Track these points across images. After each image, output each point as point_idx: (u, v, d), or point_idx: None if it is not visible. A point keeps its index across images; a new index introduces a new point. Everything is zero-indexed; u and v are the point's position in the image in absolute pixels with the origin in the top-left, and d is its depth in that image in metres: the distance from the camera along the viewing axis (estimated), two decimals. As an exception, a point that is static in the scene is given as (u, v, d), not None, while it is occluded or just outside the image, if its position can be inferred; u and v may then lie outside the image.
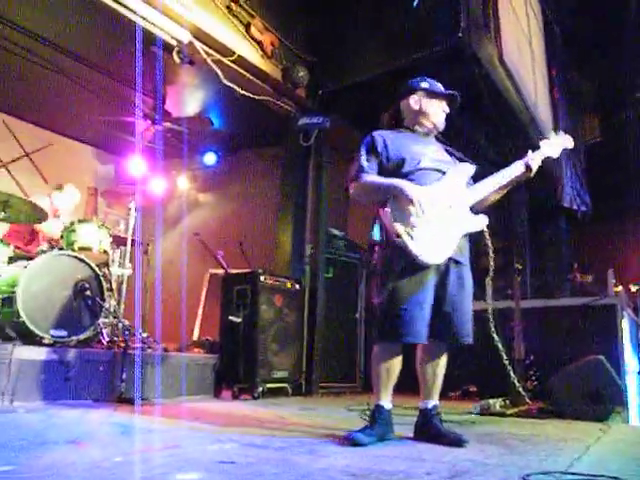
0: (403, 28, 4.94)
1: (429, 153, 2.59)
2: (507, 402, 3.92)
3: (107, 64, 5.36)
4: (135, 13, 4.05)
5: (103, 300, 4.04)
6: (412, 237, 2.33)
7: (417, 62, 4.70)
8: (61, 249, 4.24)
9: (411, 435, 2.53)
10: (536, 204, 7.76)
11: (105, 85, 5.66)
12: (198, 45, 4.56)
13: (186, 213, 7.35)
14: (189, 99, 5.94)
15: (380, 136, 2.60)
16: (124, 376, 3.57)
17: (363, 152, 2.58)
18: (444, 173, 2.57)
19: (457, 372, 4.77)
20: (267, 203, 6.35)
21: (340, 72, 5.48)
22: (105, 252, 4.62)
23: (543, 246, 8.40)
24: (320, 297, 5.36)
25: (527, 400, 3.78)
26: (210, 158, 7.17)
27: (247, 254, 5.46)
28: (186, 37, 4.44)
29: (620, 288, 5.88)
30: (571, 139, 2.86)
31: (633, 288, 6.64)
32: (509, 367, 3.70)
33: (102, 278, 4.11)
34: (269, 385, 4.54)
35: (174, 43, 4.46)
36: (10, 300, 3.63)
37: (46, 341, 3.61)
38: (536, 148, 2.73)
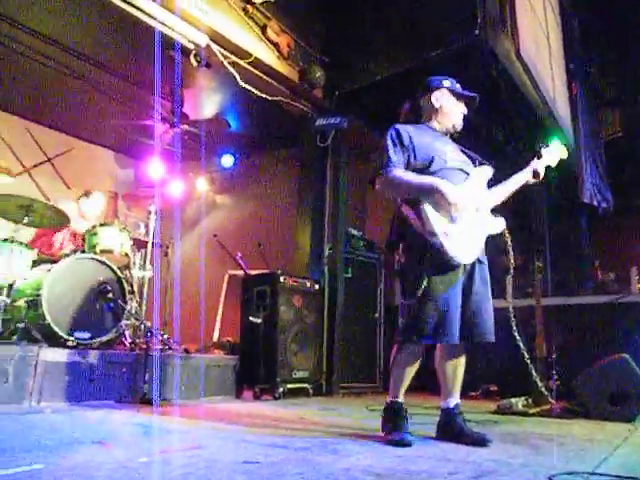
0: (419, 27, 4.92)
1: (449, 152, 2.58)
2: (529, 401, 3.89)
3: (126, 69, 5.43)
4: (154, 18, 4.09)
5: (125, 302, 4.10)
6: (449, 237, 2.32)
7: (434, 60, 4.67)
8: (83, 252, 4.31)
9: (433, 435, 2.53)
10: (556, 201, 7.66)
11: (124, 89, 5.73)
12: (215, 48, 4.59)
13: (204, 215, 7.40)
14: (206, 102, 5.99)
15: (405, 130, 2.55)
16: (146, 377, 3.62)
17: (390, 145, 2.50)
18: (467, 174, 2.58)
19: (478, 371, 4.77)
20: (285, 204, 6.37)
21: (356, 72, 5.47)
22: (126, 255, 4.67)
23: (563, 243, 8.29)
24: (339, 297, 5.36)
25: (550, 400, 3.73)
26: (228, 160, 7.21)
27: (266, 255, 5.49)
28: (203, 40, 4.48)
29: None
30: (565, 150, 2.87)
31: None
32: (531, 366, 3.66)
33: (124, 280, 4.17)
34: (290, 385, 4.55)
35: (191, 47, 4.49)
36: (35, 303, 3.70)
37: (70, 343, 3.66)
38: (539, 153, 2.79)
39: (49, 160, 6.55)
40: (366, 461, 1.94)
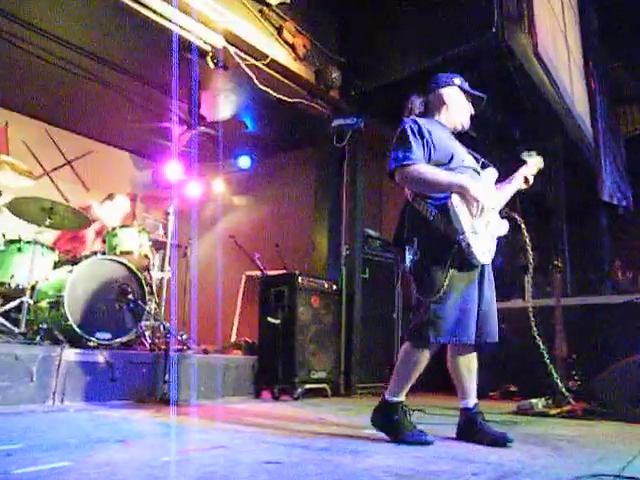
0: (435, 25, 4.90)
1: (461, 151, 2.58)
2: (550, 402, 3.84)
3: (144, 72, 5.48)
4: (171, 21, 4.13)
5: (145, 303, 4.14)
6: (476, 236, 2.31)
7: (451, 59, 4.65)
8: (104, 254, 4.37)
9: (453, 435, 2.52)
10: (575, 199, 7.57)
11: (142, 92, 5.78)
12: (232, 50, 4.62)
13: (222, 216, 7.45)
14: (223, 103, 6.02)
15: (423, 124, 2.48)
16: (166, 377, 3.65)
17: (412, 137, 2.41)
18: (478, 174, 2.57)
19: (497, 372, 4.74)
20: (302, 205, 6.38)
21: (373, 72, 5.47)
22: (146, 256, 4.73)
23: (583, 242, 8.19)
24: (357, 297, 5.36)
25: (571, 400, 3.69)
26: (245, 161, 7.24)
27: (283, 256, 5.51)
28: (220, 42, 4.51)
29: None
30: (542, 161, 2.84)
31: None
32: (551, 366, 3.62)
33: (143, 281, 4.21)
34: (308, 386, 4.56)
35: (208, 49, 4.53)
36: (57, 304, 3.76)
37: (92, 343, 3.72)
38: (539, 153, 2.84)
39: (69, 163, 6.65)
40: (387, 461, 1.94)
